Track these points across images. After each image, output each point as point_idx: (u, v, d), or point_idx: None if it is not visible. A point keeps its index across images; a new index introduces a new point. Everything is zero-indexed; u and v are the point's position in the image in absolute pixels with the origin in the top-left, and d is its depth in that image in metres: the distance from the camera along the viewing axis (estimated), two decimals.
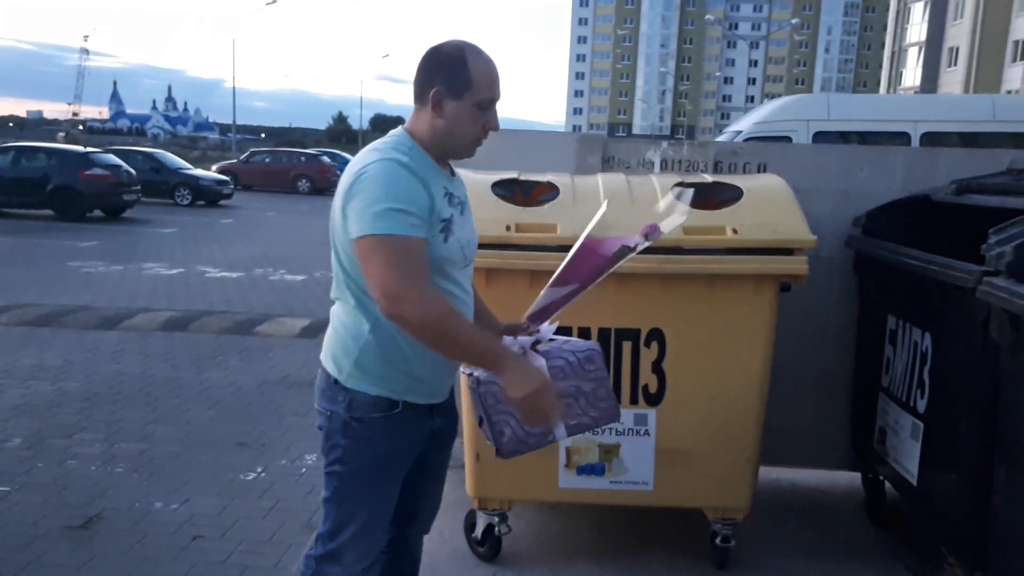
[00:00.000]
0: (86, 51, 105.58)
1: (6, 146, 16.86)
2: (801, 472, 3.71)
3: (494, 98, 1.80)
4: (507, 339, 1.98)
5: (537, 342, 1.98)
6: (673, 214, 2.20)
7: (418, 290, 1.66)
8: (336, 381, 1.86)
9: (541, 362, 1.87)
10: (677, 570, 2.94)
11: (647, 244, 2.05)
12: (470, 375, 1.93)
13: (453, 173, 1.91)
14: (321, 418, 1.92)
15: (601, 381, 2.00)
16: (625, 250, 2.03)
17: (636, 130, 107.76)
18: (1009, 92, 35.03)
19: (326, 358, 1.91)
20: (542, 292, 2.05)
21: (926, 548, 2.77)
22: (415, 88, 1.83)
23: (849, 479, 3.58)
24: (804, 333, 3.31)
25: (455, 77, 1.76)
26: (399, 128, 1.85)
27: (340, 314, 1.88)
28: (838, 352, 3.40)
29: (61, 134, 52.15)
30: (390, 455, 1.88)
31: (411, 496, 2.00)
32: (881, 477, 3.29)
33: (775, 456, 3.29)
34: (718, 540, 2.92)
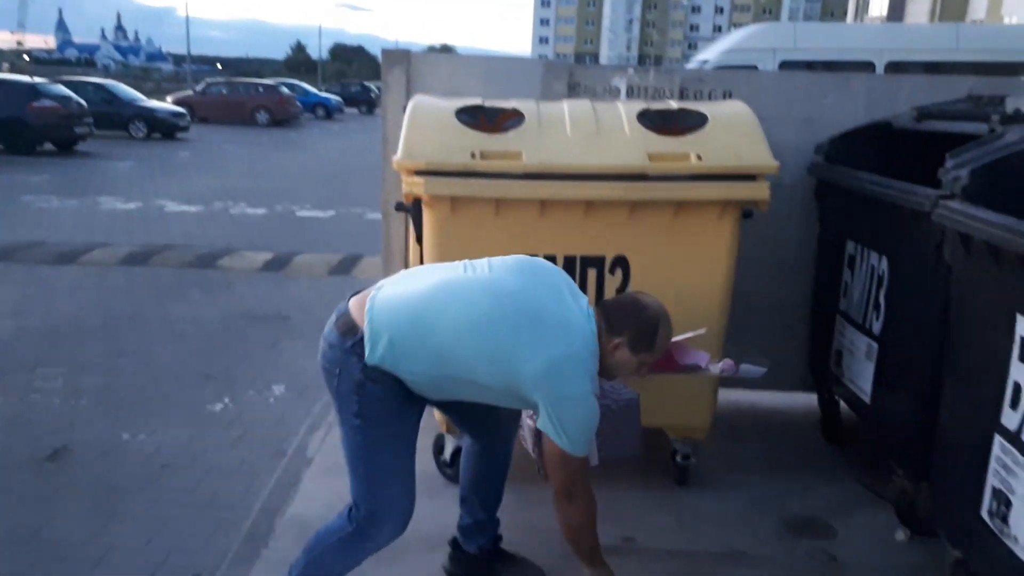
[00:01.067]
0: None
1: None
2: (761, 394, 3.82)
3: (656, 359, 2.10)
4: None
5: None
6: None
7: (587, 496, 2.04)
8: (353, 345, 1.91)
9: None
10: (640, 487, 3.04)
11: (715, 374, 2.37)
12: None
13: None
14: (327, 376, 1.98)
15: (633, 424, 2.42)
16: (696, 369, 2.31)
17: (603, 60, 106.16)
18: (974, 22, 35.09)
19: (372, 332, 1.92)
20: None
21: (877, 462, 2.89)
22: (612, 319, 2.03)
23: (806, 401, 3.70)
24: (765, 259, 3.36)
25: (641, 339, 2.02)
26: (595, 329, 1.98)
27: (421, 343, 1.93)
28: (798, 278, 3.47)
29: (5, 65, 49.90)
30: (406, 401, 1.98)
31: (479, 409, 2.15)
32: (837, 397, 3.40)
33: (735, 381, 3.37)
34: (679, 458, 3.02)
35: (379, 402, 1.93)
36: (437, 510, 2.71)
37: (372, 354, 1.89)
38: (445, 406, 2.28)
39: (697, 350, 2.33)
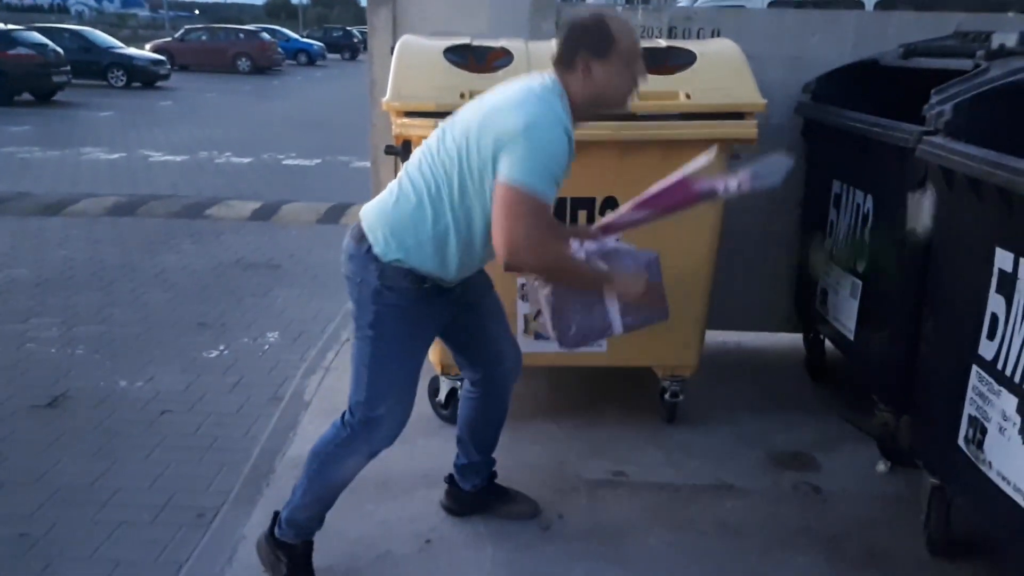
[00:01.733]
0: None
1: None
2: (747, 335, 3.90)
3: (637, 51, 1.95)
4: (574, 243, 2.13)
5: (601, 251, 2.17)
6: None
7: (538, 247, 1.86)
8: (369, 249, 1.97)
9: (603, 267, 2.12)
10: (629, 425, 3.12)
11: (735, 193, 2.15)
12: (522, 285, 2.22)
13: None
14: (350, 284, 2.03)
15: (657, 286, 2.24)
16: (714, 195, 2.15)
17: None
18: None
19: (369, 228, 1.99)
20: (620, 209, 2.23)
21: (860, 398, 2.98)
22: (561, 54, 1.95)
23: (791, 340, 3.78)
24: (753, 199, 3.36)
25: (598, 40, 1.91)
26: (556, 80, 1.95)
27: (400, 200, 1.98)
28: (784, 218, 3.51)
29: None
30: (420, 318, 2.05)
31: (486, 339, 2.28)
32: (821, 336, 3.48)
33: (722, 320, 3.44)
34: (667, 396, 3.10)
35: (394, 310, 1.99)
36: (435, 449, 2.78)
37: (381, 250, 1.95)
38: (453, 335, 2.27)
39: (714, 179, 2.15)
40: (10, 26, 16.60)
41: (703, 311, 2.97)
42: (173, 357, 3.77)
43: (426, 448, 2.82)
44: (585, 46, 1.92)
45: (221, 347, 3.91)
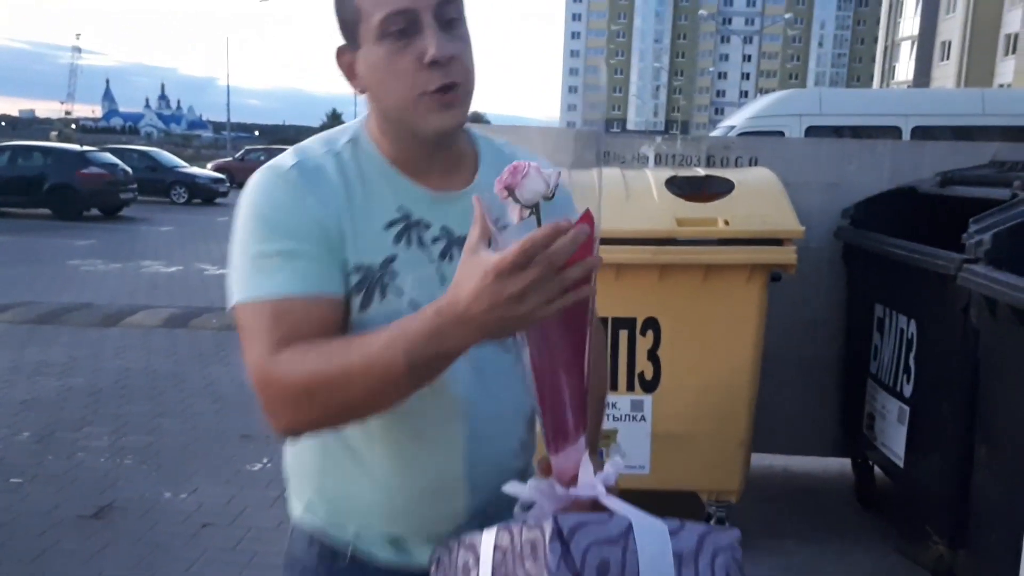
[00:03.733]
0: (78, 49, 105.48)
1: (3, 145, 16.90)
2: (794, 458, 3.81)
3: (406, 10, 0.98)
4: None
5: None
6: None
7: (270, 371, 0.95)
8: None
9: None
10: None
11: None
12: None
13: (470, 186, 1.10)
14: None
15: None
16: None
17: (630, 125, 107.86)
18: (1001, 86, 35.23)
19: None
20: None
21: (913, 528, 2.87)
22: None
23: (840, 465, 3.69)
24: (795, 322, 3.41)
25: (341, 15, 1.06)
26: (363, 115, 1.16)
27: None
28: (828, 340, 3.50)
29: (54, 133, 52.11)
30: None
31: None
32: (870, 462, 3.39)
33: (768, 443, 3.39)
34: (712, 521, 3.02)
35: None
36: None
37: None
38: None
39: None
40: (85, 147, 17.78)
41: (747, 434, 2.94)
42: (217, 469, 3.82)
43: None
44: (338, 33, 1.08)
45: (264, 460, 3.95)
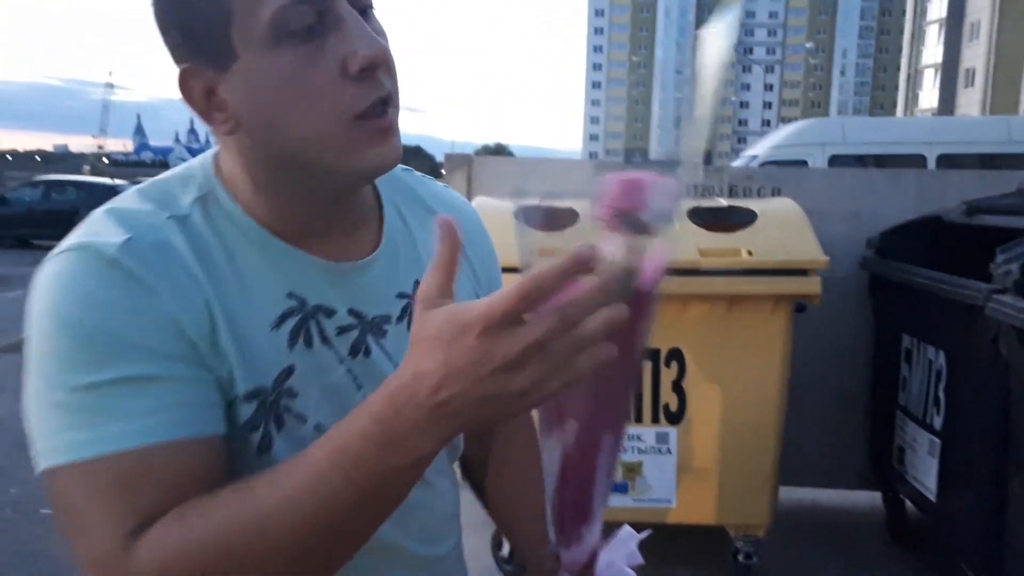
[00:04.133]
0: (111, 86, 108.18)
1: (37, 180, 17.37)
2: (823, 492, 3.75)
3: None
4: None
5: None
6: None
7: (127, 561, 0.62)
8: None
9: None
10: None
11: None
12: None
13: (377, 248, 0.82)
14: None
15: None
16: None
17: (652, 155, 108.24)
18: None
19: None
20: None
21: (946, 564, 2.80)
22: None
23: (870, 498, 3.61)
24: (821, 352, 3.37)
25: (192, 18, 0.69)
26: (204, 156, 0.80)
27: None
28: (855, 371, 3.46)
29: (86, 167, 53.34)
30: None
31: None
32: (901, 495, 3.32)
33: (796, 476, 3.34)
34: (740, 557, 2.97)
35: None
36: None
37: None
38: None
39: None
40: (116, 180, 18.20)
41: (775, 467, 2.90)
42: None
43: None
44: (181, 43, 0.71)
45: None
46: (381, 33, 0.72)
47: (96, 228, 0.69)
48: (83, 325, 0.64)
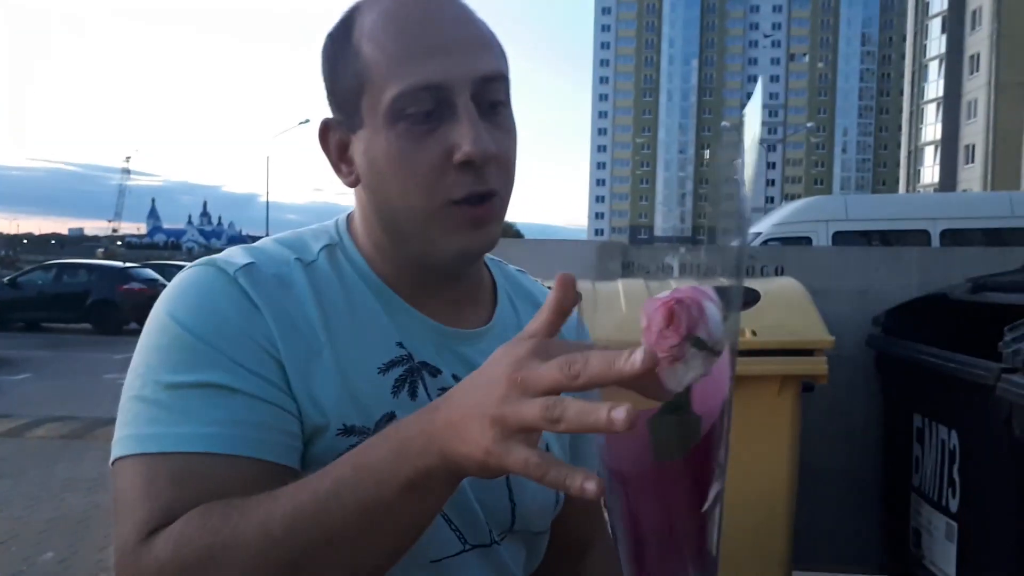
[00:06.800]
0: (127, 171, 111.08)
1: (50, 263, 17.63)
2: None
3: (436, 85, 0.72)
4: None
5: None
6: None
7: (141, 553, 0.65)
8: None
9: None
10: None
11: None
12: None
13: (491, 318, 0.87)
14: None
15: None
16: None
17: (657, 232, 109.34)
18: None
19: None
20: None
21: None
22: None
23: None
24: (831, 433, 3.31)
25: (333, 78, 0.78)
26: (341, 214, 0.88)
27: None
28: (866, 452, 3.39)
29: (100, 250, 54.27)
30: None
31: None
32: None
33: (810, 561, 3.23)
34: None
35: None
36: None
37: None
38: None
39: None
40: (128, 264, 18.44)
41: (787, 551, 2.81)
42: None
43: None
44: (329, 102, 0.81)
45: None
46: (505, 129, 0.77)
47: (229, 254, 0.78)
48: (187, 327, 0.70)
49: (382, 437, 0.63)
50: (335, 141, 0.80)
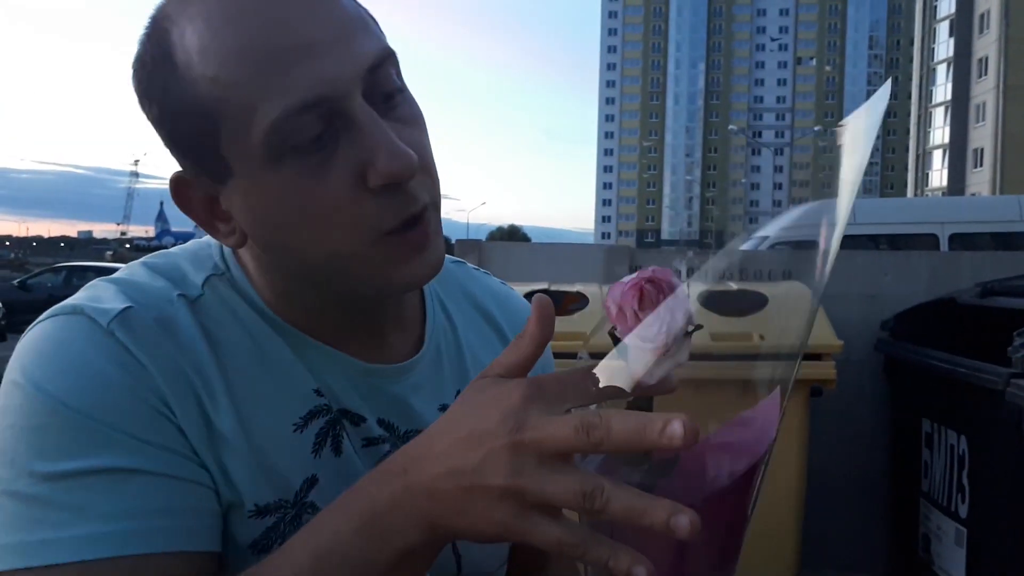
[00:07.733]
0: (136, 174, 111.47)
1: (59, 266, 17.75)
2: None
3: (321, 99, 0.55)
4: None
5: None
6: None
7: None
8: None
9: None
10: None
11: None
12: None
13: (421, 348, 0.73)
14: None
15: None
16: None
17: (664, 236, 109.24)
18: None
19: None
20: None
21: None
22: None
23: None
24: (840, 438, 3.31)
25: (173, 123, 0.60)
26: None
27: None
28: (875, 457, 3.38)
29: (109, 252, 54.55)
30: None
31: None
32: None
33: (819, 566, 3.22)
34: None
35: None
36: None
37: None
38: None
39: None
40: None
41: (796, 557, 2.80)
42: None
43: None
44: (176, 158, 0.63)
45: None
46: (411, 122, 0.60)
47: (96, 295, 0.61)
48: (61, 399, 0.54)
49: (338, 513, 0.52)
50: (198, 200, 0.62)
